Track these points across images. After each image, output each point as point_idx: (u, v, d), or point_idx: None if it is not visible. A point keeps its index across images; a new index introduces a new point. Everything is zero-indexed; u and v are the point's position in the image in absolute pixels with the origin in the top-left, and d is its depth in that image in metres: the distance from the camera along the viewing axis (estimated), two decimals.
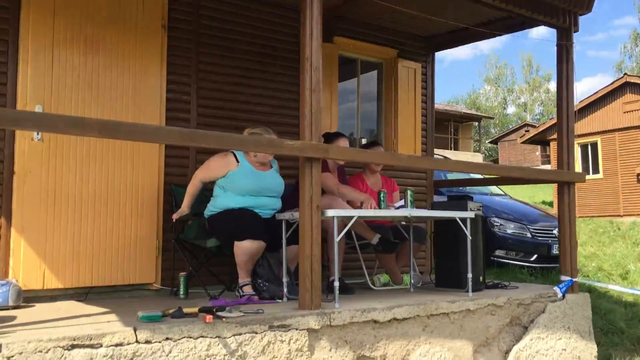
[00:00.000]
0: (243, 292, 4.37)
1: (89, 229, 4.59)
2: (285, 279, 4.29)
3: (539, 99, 62.32)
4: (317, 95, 3.88)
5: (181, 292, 4.53)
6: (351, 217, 4.08)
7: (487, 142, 48.56)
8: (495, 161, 43.75)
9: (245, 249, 4.23)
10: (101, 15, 4.75)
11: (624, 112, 19.31)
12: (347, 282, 5.32)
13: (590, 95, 20.33)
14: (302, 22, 3.93)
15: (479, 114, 43.84)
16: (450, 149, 38.69)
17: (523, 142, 24.73)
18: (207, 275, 4.89)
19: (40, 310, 3.87)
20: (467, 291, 4.61)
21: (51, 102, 4.49)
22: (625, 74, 19.58)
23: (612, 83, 19.78)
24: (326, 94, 5.98)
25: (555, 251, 9.01)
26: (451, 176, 9.42)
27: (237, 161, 4.52)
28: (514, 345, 4.72)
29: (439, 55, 11.37)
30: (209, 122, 5.24)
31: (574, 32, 5.49)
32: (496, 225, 8.83)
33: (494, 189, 10.77)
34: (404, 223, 5.22)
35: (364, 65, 6.66)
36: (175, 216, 4.61)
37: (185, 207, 4.58)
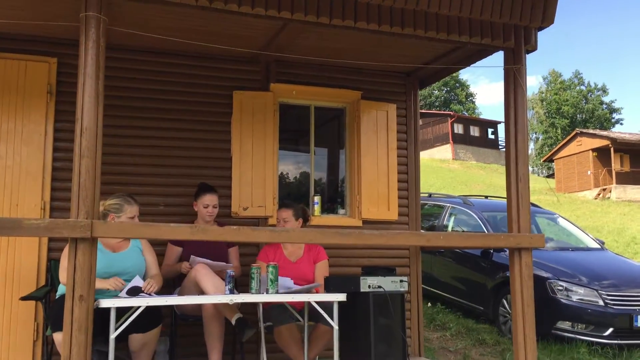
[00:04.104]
0: None
1: None
2: None
3: None
4: (87, 162, 3.26)
5: None
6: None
7: None
8: None
9: (57, 341, 3.67)
10: None
11: None
12: None
13: None
14: (78, 78, 3.37)
15: None
16: None
17: None
18: None
19: None
20: None
21: None
22: None
23: None
24: (259, 149, 5.26)
25: None
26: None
27: None
28: None
29: None
30: (108, 190, 4.82)
31: (528, 51, 4.19)
32: (559, 290, 7.10)
33: (590, 242, 8.86)
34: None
35: (326, 112, 5.82)
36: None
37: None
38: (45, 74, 4.77)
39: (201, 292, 4.06)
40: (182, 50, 5.07)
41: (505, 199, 4.06)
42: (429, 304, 8.48)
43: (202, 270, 4.08)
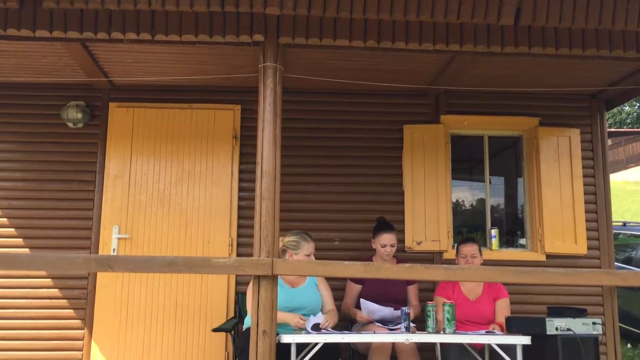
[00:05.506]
0: None
1: (157, 339, 4.86)
2: None
3: None
4: (267, 204, 3.46)
5: None
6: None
7: None
8: None
9: None
10: (175, 133, 5.15)
11: None
12: None
13: None
14: (258, 124, 3.61)
15: None
16: None
17: None
18: None
19: None
20: None
21: (127, 222, 5.01)
22: None
23: None
24: (431, 182, 5.19)
25: None
26: None
27: None
28: None
29: None
30: (287, 226, 5.06)
31: None
32: None
33: None
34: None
35: (501, 139, 5.58)
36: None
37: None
38: (231, 120, 5.18)
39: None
40: (351, 88, 5.21)
41: None
42: (629, 345, 7.63)
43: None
